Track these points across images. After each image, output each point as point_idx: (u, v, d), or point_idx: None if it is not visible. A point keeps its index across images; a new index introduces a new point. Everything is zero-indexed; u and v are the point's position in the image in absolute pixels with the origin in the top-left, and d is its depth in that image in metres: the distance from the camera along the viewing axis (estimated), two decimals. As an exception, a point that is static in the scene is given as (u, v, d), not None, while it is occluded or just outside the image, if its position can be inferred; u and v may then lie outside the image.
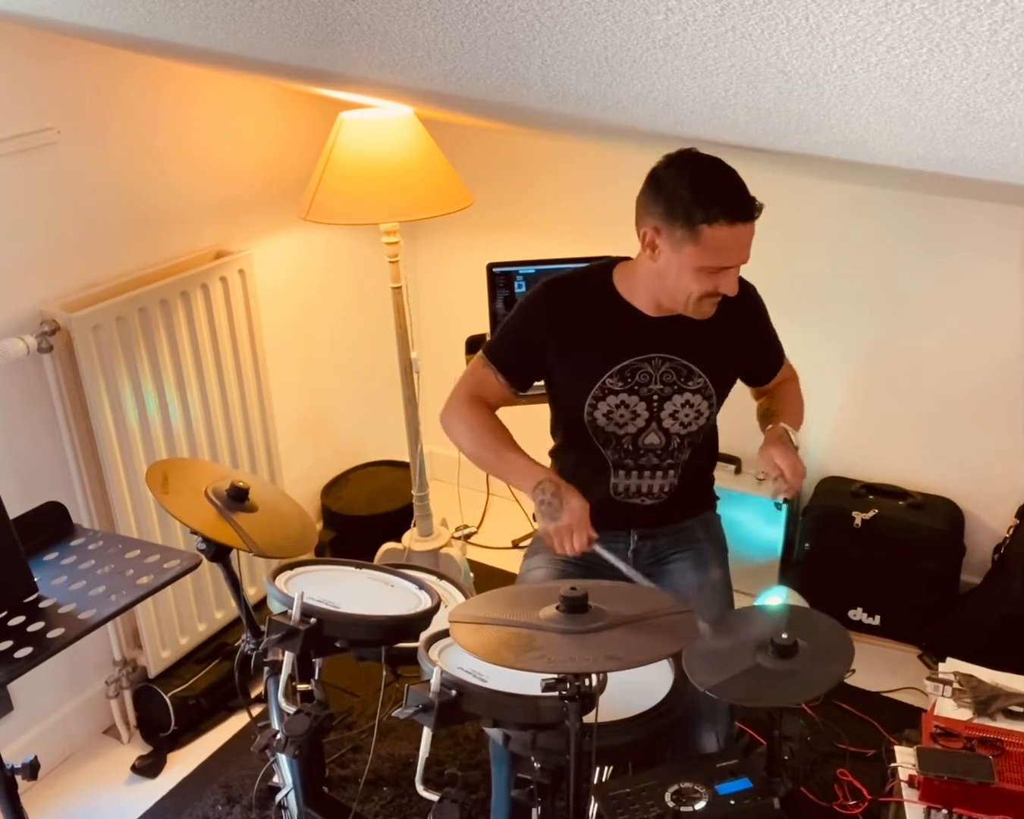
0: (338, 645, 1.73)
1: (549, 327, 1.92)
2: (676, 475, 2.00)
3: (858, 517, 2.76)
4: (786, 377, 2.15)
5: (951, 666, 2.08)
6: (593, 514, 1.80)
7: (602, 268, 1.97)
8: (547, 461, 2.02)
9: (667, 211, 1.75)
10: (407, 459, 2.96)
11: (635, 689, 1.59)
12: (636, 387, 1.92)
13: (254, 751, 1.79)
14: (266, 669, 1.97)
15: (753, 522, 2.92)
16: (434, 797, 1.50)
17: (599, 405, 1.92)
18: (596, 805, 1.49)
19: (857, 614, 2.84)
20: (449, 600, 1.94)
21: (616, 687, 1.50)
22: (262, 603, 2.74)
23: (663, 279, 1.83)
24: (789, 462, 1.80)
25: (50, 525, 1.58)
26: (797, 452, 1.86)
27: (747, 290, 1.99)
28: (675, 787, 1.44)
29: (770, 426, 1.94)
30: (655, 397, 1.93)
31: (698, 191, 1.72)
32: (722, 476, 2.91)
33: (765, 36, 0.92)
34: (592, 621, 1.39)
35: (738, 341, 1.99)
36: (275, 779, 2.08)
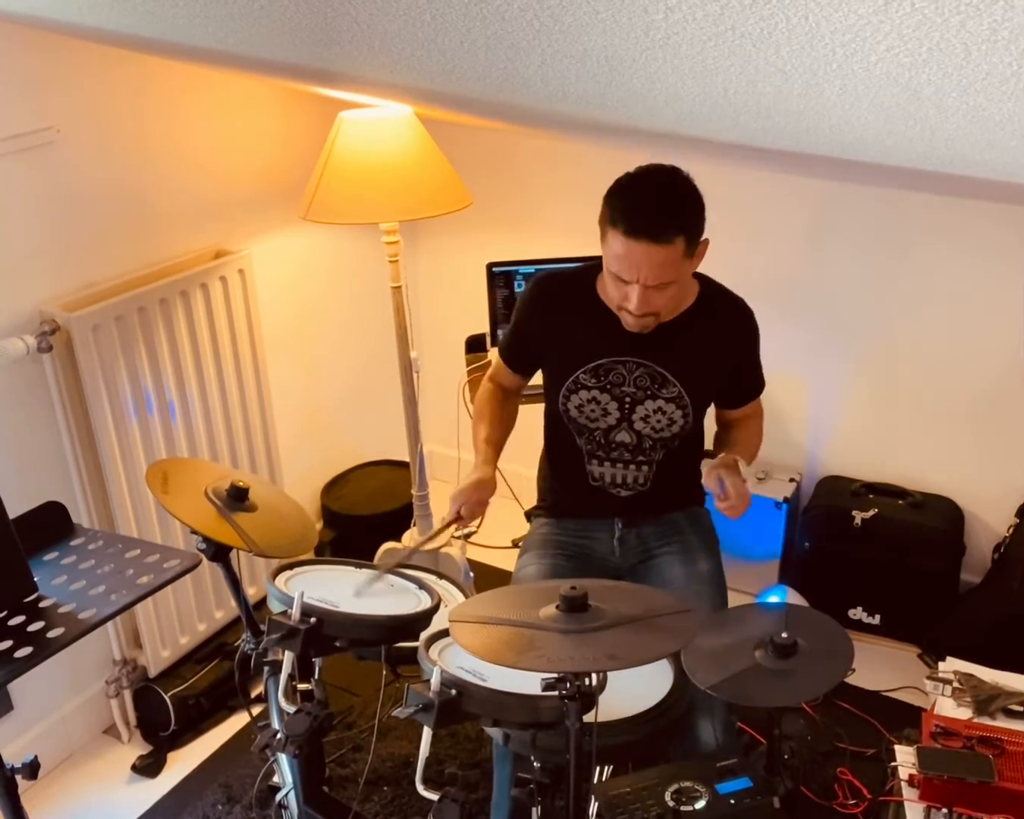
0: (338, 645, 1.73)
1: (536, 320, 2.02)
2: (651, 471, 2.03)
3: (858, 516, 2.77)
4: (753, 413, 2.13)
5: (951, 665, 2.08)
6: (577, 501, 2.06)
7: (589, 269, 2.01)
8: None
9: (601, 210, 1.82)
10: (407, 459, 2.96)
11: (635, 688, 1.59)
12: (609, 386, 1.96)
13: (254, 750, 1.80)
14: (266, 669, 1.97)
15: (753, 522, 2.92)
16: (434, 796, 1.50)
17: (572, 397, 1.99)
18: (596, 804, 1.49)
19: (857, 613, 2.84)
20: (449, 600, 1.94)
21: (616, 686, 1.50)
22: (262, 602, 2.74)
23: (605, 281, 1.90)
24: (733, 480, 1.82)
25: (50, 525, 1.58)
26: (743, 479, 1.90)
27: (743, 312, 2.00)
28: (675, 786, 1.44)
29: (722, 453, 1.97)
30: (627, 399, 1.97)
31: (616, 196, 1.77)
32: (722, 475, 2.91)
33: (765, 35, 0.92)
34: (592, 620, 1.39)
35: (722, 359, 1.99)
36: (275, 778, 2.08)
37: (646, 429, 1.98)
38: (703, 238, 1.81)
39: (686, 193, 1.77)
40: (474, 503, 1.97)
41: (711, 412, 2.12)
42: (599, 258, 2.01)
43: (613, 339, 1.94)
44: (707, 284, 1.99)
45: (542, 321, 2.01)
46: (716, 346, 1.97)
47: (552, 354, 2.02)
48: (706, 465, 1.92)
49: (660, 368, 1.94)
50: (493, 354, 2.23)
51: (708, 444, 2.17)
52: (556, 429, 2.06)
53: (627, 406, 1.97)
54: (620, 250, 1.74)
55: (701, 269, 1.99)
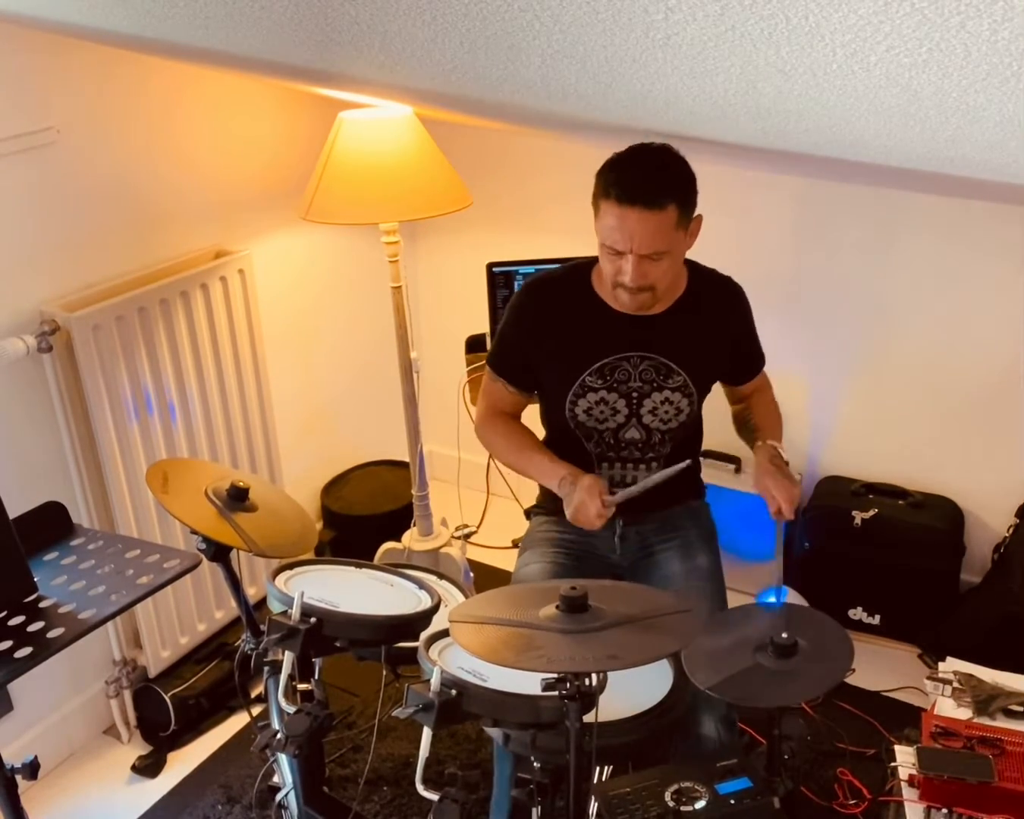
0: (338, 645, 1.73)
1: (531, 329, 1.98)
2: (659, 468, 2.02)
3: (858, 516, 2.76)
4: (761, 386, 2.16)
5: (951, 665, 2.08)
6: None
7: (580, 267, 2.00)
8: None
9: (594, 188, 1.82)
10: (407, 459, 2.96)
11: (635, 688, 1.59)
12: (615, 384, 1.95)
13: (254, 751, 1.80)
14: (266, 669, 1.97)
15: (753, 522, 2.92)
16: (434, 797, 1.50)
17: (579, 402, 1.96)
18: (596, 805, 1.49)
19: (857, 613, 2.84)
20: (449, 600, 1.94)
21: (616, 686, 1.50)
22: (262, 603, 2.74)
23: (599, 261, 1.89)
24: (784, 492, 1.85)
25: (50, 525, 1.58)
26: (788, 468, 1.91)
27: (734, 291, 2.04)
28: (675, 786, 1.44)
29: (758, 444, 1.99)
30: (634, 394, 1.96)
31: (608, 168, 1.79)
32: (722, 476, 2.91)
33: (765, 35, 0.92)
34: (592, 620, 1.39)
35: (721, 340, 2.01)
36: (275, 779, 2.08)
37: (654, 422, 1.98)
38: (696, 214, 1.83)
39: (678, 165, 1.79)
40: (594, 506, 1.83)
41: (710, 406, 2.12)
42: (591, 257, 2.02)
43: (615, 336, 1.94)
44: (695, 269, 2.00)
45: (538, 329, 1.97)
46: (713, 328, 1.99)
47: (553, 361, 1.98)
48: (754, 473, 1.93)
49: (664, 359, 1.94)
50: (485, 378, 2.11)
51: (709, 443, 2.17)
52: (561, 438, 2.03)
53: (635, 401, 1.96)
54: (613, 220, 1.75)
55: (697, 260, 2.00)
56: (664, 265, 1.80)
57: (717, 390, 2.13)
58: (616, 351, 1.94)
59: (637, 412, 1.97)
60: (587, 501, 1.82)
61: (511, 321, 2.02)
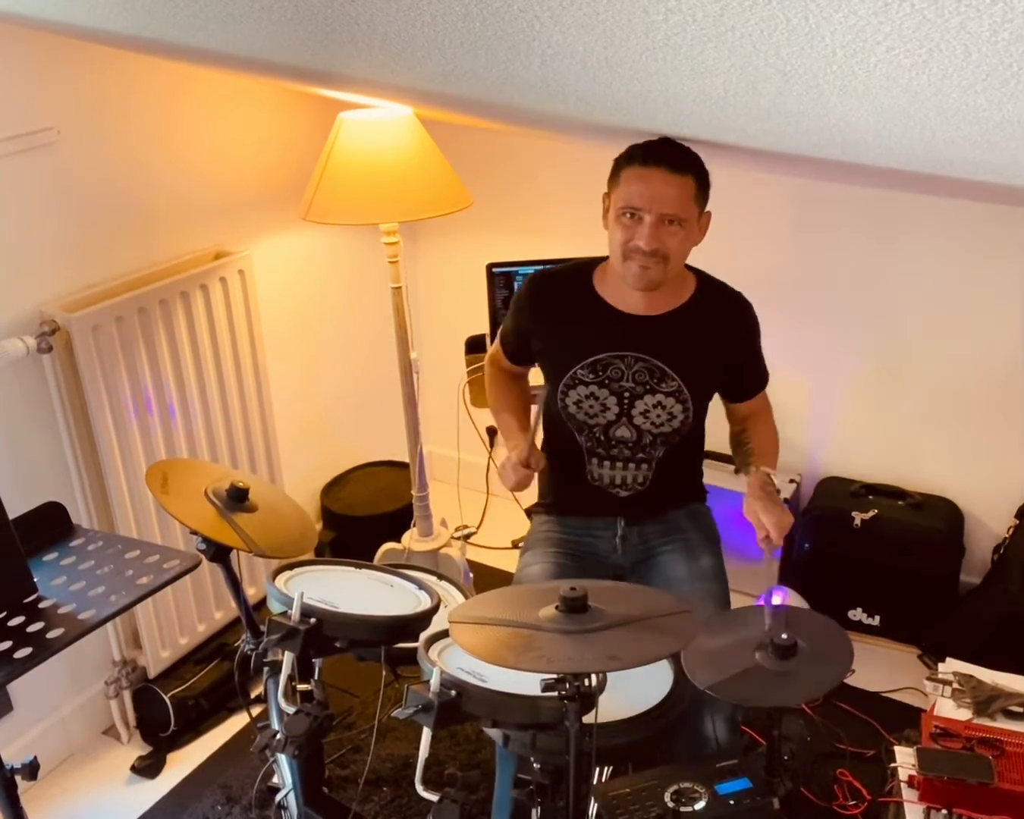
0: (338, 645, 1.73)
1: (531, 319, 2.05)
2: (650, 470, 2.03)
3: (858, 517, 2.77)
4: (761, 408, 2.12)
5: (951, 666, 2.09)
6: (578, 499, 2.07)
7: (584, 265, 2.04)
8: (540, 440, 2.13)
9: (610, 172, 1.88)
10: (407, 459, 2.96)
11: (635, 689, 1.59)
12: (607, 381, 1.97)
13: (254, 751, 1.79)
14: (266, 669, 1.97)
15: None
16: (434, 797, 1.50)
17: (570, 393, 2.00)
18: (596, 805, 1.49)
19: (857, 614, 2.84)
20: (449, 600, 1.94)
21: (616, 687, 1.50)
22: (262, 603, 2.74)
23: (609, 243, 1.91)
24: (775, 519, 1.82)
25: (50, 525, 1.58)
26: (779, 497, 1.89)
27: (741, 305, 2.02)
28: (675, 787, 1.44)
29: (752, 469, 1.95)
30: (626, 394, 1.97)
31: (630, 147, 1.85)
32: (722, 477, 2.90)
33: (765, 36, 0.92)
34: (592, 621, 1.39)
35: (721, 352, 2.00)
36: (275, 779, 2.08)
37: (646, 424, 1.98)
38: (707, 209, 1.88)
39: (696, 155, 1.84)
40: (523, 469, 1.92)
41: (714, 413, 2.12)
42: (595, 257, 2.02)
43: (611, 335, 1.96)
44: (704, 278, 2.01)
45: (537, 319, 2.03)
46: (715, 339, 1.98)
47: (549, 351, 2.04)
48: (745, 499, 1.88)
49: (659, 362, 1.95)
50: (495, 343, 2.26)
51: (709, 444, 2.17)
52: (556, 428, 2.07)
53: (626, 401, 1.97)
54: (636, 182, 1.80)
55: (699, 267, 2.00)
56: (679, 238, 1.83)
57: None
58: (610, 349, 1.96)
59: (628, 412, 1.98)
60: (509, 455, 1.93)
61: (514, 309, 2.12)
